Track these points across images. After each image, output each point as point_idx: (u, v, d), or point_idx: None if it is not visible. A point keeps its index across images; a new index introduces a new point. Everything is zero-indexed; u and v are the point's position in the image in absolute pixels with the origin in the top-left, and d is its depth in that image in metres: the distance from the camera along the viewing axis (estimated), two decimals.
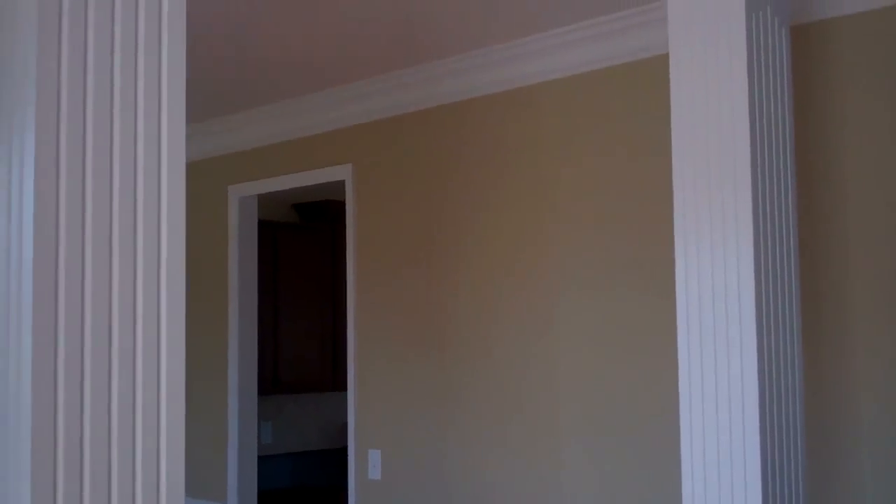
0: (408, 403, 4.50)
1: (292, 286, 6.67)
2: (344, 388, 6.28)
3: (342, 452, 6.86)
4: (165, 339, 1.71)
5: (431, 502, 4.37)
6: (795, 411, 2.86)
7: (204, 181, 5.49)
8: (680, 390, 2.82)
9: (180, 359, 1.71)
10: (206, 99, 4.88)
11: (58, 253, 1.59)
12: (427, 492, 4.39)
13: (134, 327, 1.67)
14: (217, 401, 5.40)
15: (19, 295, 1.58)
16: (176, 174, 1.75)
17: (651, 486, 3.64)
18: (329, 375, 6.82)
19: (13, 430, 1.58)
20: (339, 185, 5.03)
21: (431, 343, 4.42)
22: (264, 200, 5.90)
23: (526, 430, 4.04)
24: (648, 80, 3.70)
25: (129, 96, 1.70)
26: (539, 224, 4.04)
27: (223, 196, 5.45)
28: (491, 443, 4.15)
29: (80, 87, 1.64)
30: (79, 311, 1.61)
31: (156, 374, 1.69)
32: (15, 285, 1.60)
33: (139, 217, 1.70)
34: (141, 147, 1.71)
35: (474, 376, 4.23)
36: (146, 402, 1.67)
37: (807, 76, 3.33)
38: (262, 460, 6.55)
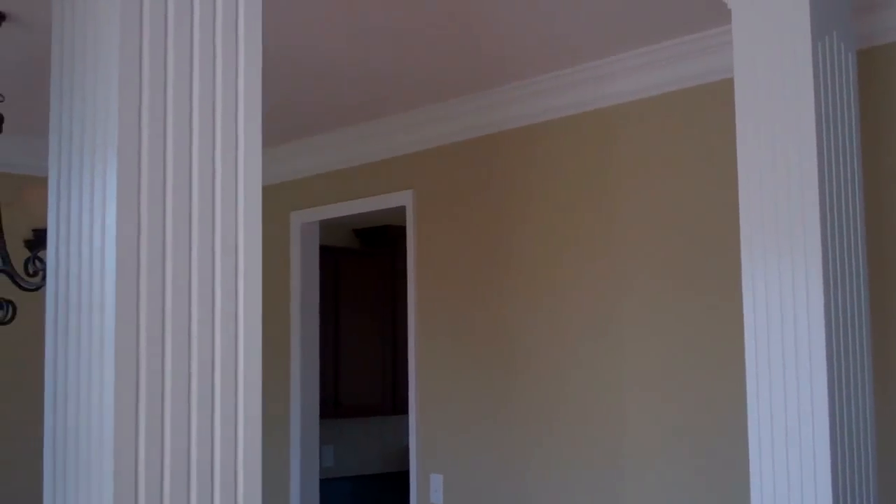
0: (470, 427, 4.51)
1: (353, 311, 6.72)
2: (405, 411, 6.28)
3: (404, 476, 6.86)
4: (243, 368, 1.74)
5: None
6: (866, 423, 2.81)
7: (267, 207, 5.49)
8: (748, 404, 2.79)
9: (257, 387, 1.75)
10: (269, 126, 4.94)
11: (139, 284, 1.63)
12: None
13: (213, 356, 1.71)
14: (279, 424, 5.44)
15: (102, 332, 1.62)
16: (253, 202, 1.79)
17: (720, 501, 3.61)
18: (390, 399, 6.85)
19: (96, 459, 1.62)
20: (400, 211, 5.06)
21: (493, 366, 4.42)
22: (325, 226, 5.96)
23: (593, 453, 4.02)
24: (713, 103, 3.69)
25: (207, 125, 1.75)
26: (604, 247, 4.03)
27: (286, 222, 5.52)
28: (556, 466, 4.14)
29: (161, 114, 1.69)
30: (160, 323, 1.65)
31: (233, 399, 1.73)
32: (97, 321, 1.64)
33: (217, 248, 1.74)
34: (219, 180, 1.75)
35: (538, 399, 4.22)
36: (224, 433, 1.71)
37: (873, 99, 3.30)
38: (324, 483, 6.57)
